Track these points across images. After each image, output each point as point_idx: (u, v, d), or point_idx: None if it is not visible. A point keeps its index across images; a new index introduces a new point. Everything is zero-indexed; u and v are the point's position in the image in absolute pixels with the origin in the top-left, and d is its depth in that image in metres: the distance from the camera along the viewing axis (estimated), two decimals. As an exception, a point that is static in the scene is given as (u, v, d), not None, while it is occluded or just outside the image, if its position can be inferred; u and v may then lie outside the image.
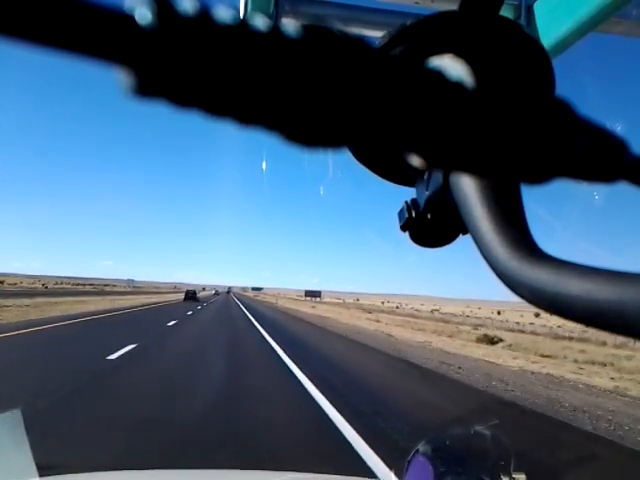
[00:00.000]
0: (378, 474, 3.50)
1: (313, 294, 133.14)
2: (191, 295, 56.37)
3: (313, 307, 56.21)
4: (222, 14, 0.16)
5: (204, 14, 0.15)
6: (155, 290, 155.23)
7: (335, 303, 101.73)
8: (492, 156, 0.20)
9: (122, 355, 9.15)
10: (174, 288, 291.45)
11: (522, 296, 0.25)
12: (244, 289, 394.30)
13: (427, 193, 0.38)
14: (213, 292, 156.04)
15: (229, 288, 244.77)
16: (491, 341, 19.35)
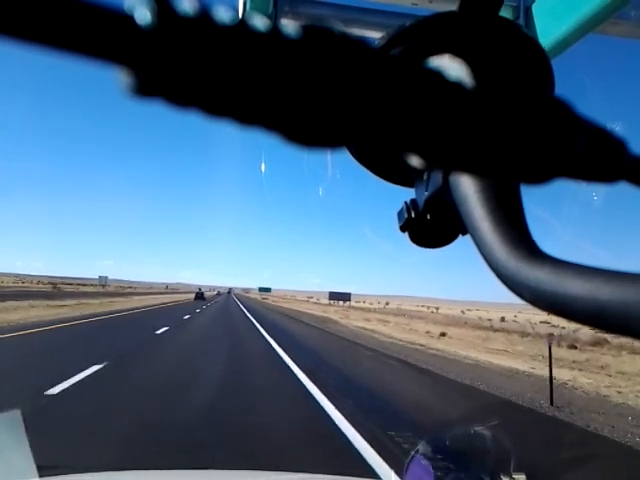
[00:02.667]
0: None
1: (340, 297, 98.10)
2: (199, 295, 71.22)
3: (442, 337, 22.13)
4: (221, 14, 0.16)
5: (203, 14, 0.15)
6: (138, 291, 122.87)
7: (388, 311, 66.39)
8: (492, 156, 0.20)
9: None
10: (165, 288, 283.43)
11: (522, 296, 0.24)
12: (246, 290, 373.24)
13: (426, 193, 0.37)
14: (215, 292, 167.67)
15: (230, 289, 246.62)
16: None
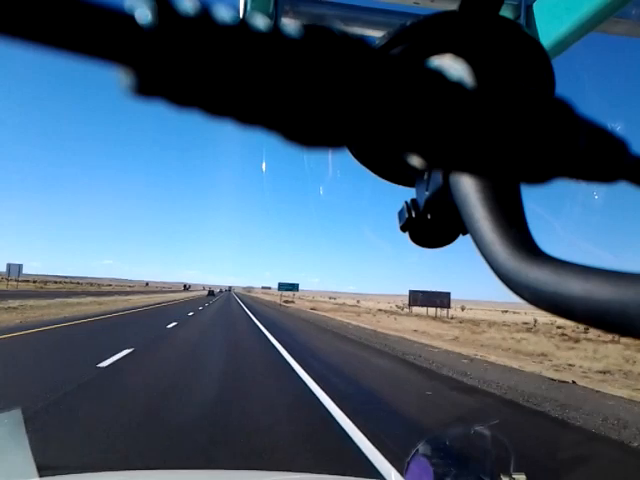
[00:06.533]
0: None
1: (433, 300, 50.64)
2: (210, 292, 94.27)
3: None
4: (222, 14, 0.16)
5: (204, 14, 0.15)
6: (104, 289, 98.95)
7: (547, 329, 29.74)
8: (492, 156, 0.20)
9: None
10: (145, 286, 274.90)
11: (522, 296, 0.24)
12: (248, 289, 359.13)
13: (427, 193, 0.37)
14: (218, 290, 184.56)
15: (229, 287, 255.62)
16: None
